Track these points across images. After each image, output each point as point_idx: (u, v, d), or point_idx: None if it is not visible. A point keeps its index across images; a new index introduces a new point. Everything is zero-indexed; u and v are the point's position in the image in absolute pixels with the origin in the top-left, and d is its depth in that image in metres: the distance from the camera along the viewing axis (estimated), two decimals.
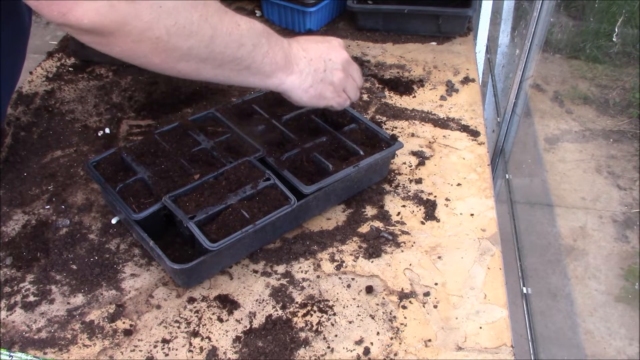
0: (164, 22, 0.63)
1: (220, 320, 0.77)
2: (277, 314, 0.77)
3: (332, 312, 0.78)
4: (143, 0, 0.61)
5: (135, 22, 0.61)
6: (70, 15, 0.58)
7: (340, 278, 0.82)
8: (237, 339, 0.74)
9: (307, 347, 0.73)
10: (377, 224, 0.90)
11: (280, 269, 0.83)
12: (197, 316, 0.77)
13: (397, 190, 0.96)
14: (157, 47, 0.64)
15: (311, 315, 0.77)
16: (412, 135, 1.08)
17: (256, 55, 0.73)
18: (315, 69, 0.81)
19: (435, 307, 0.78)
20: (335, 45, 0.85)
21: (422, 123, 1.10)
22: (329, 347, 0.73)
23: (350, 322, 0.77)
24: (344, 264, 0.84)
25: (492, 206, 0.93)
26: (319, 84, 0.82)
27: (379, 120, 1.11)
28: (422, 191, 0.96)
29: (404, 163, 1.02)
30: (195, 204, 0.79)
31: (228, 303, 0.79)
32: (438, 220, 0.91)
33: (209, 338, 0.74)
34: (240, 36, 0.70)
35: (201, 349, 0.73)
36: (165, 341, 0.74)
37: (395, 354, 0.73)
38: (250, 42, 0.72)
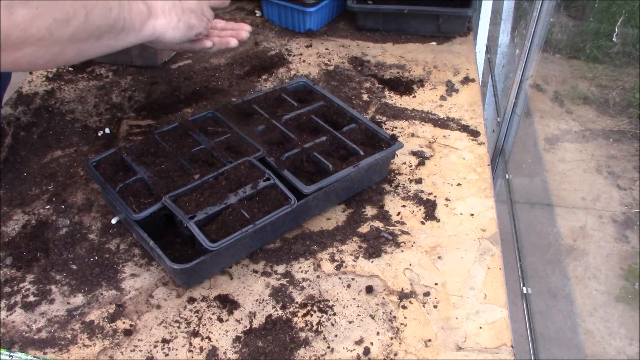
0: (44, 23, 0.63)
1: (220, 320, 0.77)
2: (277, 314, 0.77)
3: (332, 312, 0.78)
4: (19, 8, 0.60)
5: (16, 32, 0.61)
6: None
7: (340, 278, 0.82)
8: (237, 339, 0.74)
9: (307, 347, 0.73)
10: (377, 224, 0.90)
11: (280, 269, 0.83)
12: (197, 316, 0.77)
13: (397, 190, 0.96)
14: (40, 47, 0.64)
15: (311, 315, 0.77)
16: (412, 135, 1.08)
17: (123, 12, 0.74)
18: (172, 4, 0.83)
19: (435, 307, 0.78)
20: None
21: (422, 123, 1.11)
22: (329, 347, 0.73)
23: (350, 322, 0.77)
24: (344, 264, 0.84)
25: (492, 206, 0.93)
26: (182, 16, 0.84)
27: (379, 120, 1.11)
28: (422, 191, 0.96)
29: (404, 163, 1.02)
30: (195, 204, 0.79)
31: (228, 303, 0.79)
32: (438, 220, 0.91)
33: (209, 338, 0.74)
34: (109, 5, 0.71)
35: (201, 349, 0.73)
36: (165, 341, 0.74)
37: (395, 354, 0.73)
38: (115, 4, 0.73)
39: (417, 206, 0.93)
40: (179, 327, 0.76)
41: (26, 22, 0.61)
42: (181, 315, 0.77)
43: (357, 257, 0.85)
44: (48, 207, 0.92)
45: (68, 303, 0.78)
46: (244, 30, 1.01)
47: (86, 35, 0.69)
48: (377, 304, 0.79)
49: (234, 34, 0.99)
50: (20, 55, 0.64)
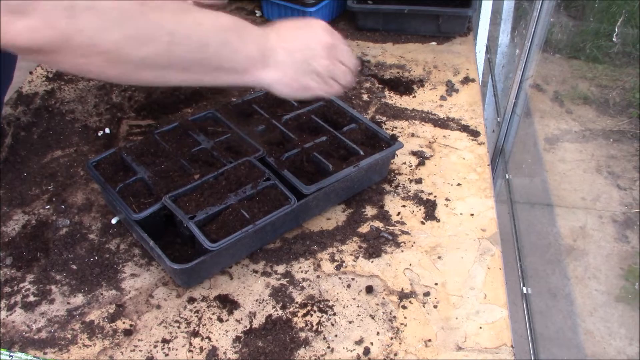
0: (111, 35, 0.58)
1: (220, 320, 0.77)
2: (277, 314, 0.77)
3: (332, 312, 0.78)
4: (84, 13, 0.56)
5: (78, 37, 0.57)
6: (5, 35, 0.55)
7: (340, 278, 0.82)
8: (237, 339, 0.74)
9: (307, 347, 0.73)
10: (377, 224, 0.90)
11: (280, 269, 0.83)
12: (197, 316, 0.77)
13: (397, 190, 0.96)
14: (108, 59, 0.60)
15: (311, 315, 0.77)
16: (412, 135, 1.08)
17: (225, 54, 0.68)
18: (295, 60, 0.74)
19: (435, 307, 0.78)
20: (317, 30, 0.78)
21: (422, 123, 1.10)
22: (329, 347, 0.73)
23: (350, 322, 0.77)
24: (344, 264, 0.84)
25: (492, 206, 0.93)
26: (301, 76, 0.76)
27: (379, 120, 1.11)
28: (422, 191, 0.96)
29: (404, 163, 1.02)
30: (195, 204, 0.79)
31: (228, 303, 0.79)
32: (438, 220, 0.91)
33: (209, 338, 0.74)
34: (204, 36, 0.65)
35: (201, 349, 0.73)
36: (165, 341, 0.74)
37: (395, 354, 0.73)
38: (217, 41, 0.67)
39: (417, 206, 0.93)
40: (179, 327, 0.76)
41: (91, 29, 0.57)
42: (181, 315, 0.77)
43: (357, 257, 0.85)
44: (48, 207, 0.92)
45: (68, 303, 0.78)
46: None
47: (166, 63, 0.64)
48: (377, 304, 0.79)
49: None
50: (87, 62, 0.59)
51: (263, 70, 0.73)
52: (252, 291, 0.80)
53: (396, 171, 1.00)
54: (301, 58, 0.75)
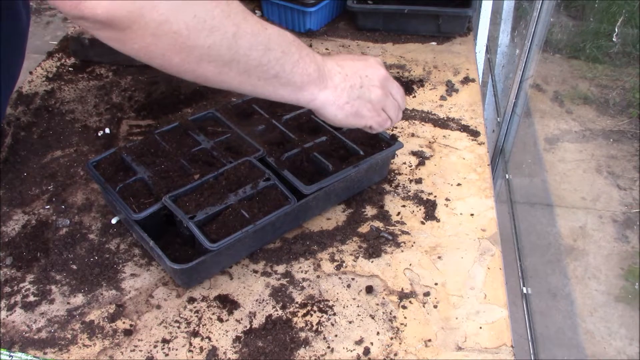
0: (183, 16, 0.58)
1: (220, 320, 0.77)
2: (277, 314, 0.77)
3: (332, 312, 0.78)
4: None
5: (152, 14, 0.57)
6: (83, 6, 0.56)
7: (340, 278, 0.82)
8: (237, 339, 0.74)
9: (307, 347, 0.73)
10: (377, 224, 0.90)
11: (280, 269, 0.83)
12: (197, 316, 0.77)
13: (397, 190, 0.96)
14: (175, 43, 0.60)
15: (311, 315, 0.77)
16: (412, 135, 1.08)
17: (285, 63, 0.68)
18: (351, 84, 0.75)
19: (435, 307, 0.78)
20: (373, 63, 0.80)
21: (422, 123, 1.11)
22: (329, 347, 0.73)
23: (350, 322, 0.77)
24: (344, 264, 0.84)
25: (492, 206, 0.93)
26: (355, 101, 0.76)
27: None
28: (422, 191, 0.96)
29: (404, 163, 1.02)
30: (195, 204, 0.79)
31: (228, 303, 0.79)
32: (438, 220, 0.91)
33: (209, 338, 0.74)
34: (268, 39, 0.65)
35: (201, 349, 0.73)
36: (165, 341, 0.74)
37: (395, 354, 0.73)
38: (279, 48, 0.67)
39: (417, 206, 0.93)
40: (179, 327, 0.76)
41: (166, 7, 0.57)
42: (181, 315, 0.77)
43: (357, 257, 0.85)
44: (48, 207, 0.92)
45: (68, 303, 0.78)
46: None
47: (229, 58, 0.63)
48: (377, 304, 0.79)
49: None
50: (155, 43, 0.59)
51: (319, 90, 0.73)
52: (252, 291, 0.80)
53: (396, 171, 1.00)
54: (357, 84, 0.76)
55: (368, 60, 0.80)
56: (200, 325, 0.76)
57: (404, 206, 0.93)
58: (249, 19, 0.64)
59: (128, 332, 0.75)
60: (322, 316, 0.77)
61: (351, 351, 0.73)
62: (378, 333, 0.75)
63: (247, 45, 0.64)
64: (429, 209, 0.92)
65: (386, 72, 0.80)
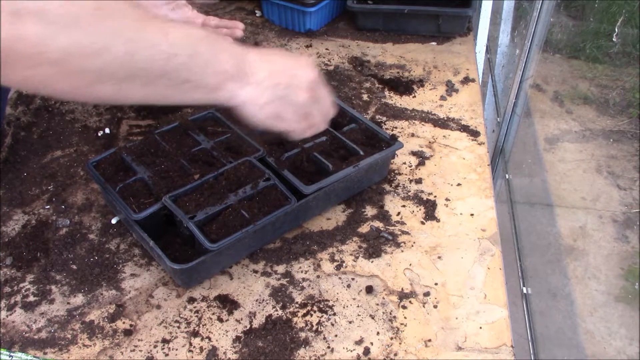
0: (59, 43, 0.52)
1: (220, 320, 0.77)
2: (277, 314, 0.77)
3: (332, 312, 0.78)
4: (28, 18, 0.50)
5: (22, 45, 0.51)
6: None
7: (340, 278, 0.82)
8: (237, 339, 0.74)
9: (307, 347, 0.73)
10: (377, 224, 0.90)
11: (280, 269, 0.83)
12: (197, 316, 0.77)
13: (397, 190, 0.96)
14: (58, 71, 0.54)
15: (311, 315, 0.77)
16: (412, 135, 1.08)
17: (194, 66, 0.62)
18: (275, 83, 0.69)
19: (435, 307, 0.78)
20: (303, 63, 0.73)
21: (422, 123, 1.11)
22: (329, 347, 0.73)
23: (350, 322, 0.77)
24: (344, 264, 0.84)
25: (492, 206, 0.93)
26: (277, 102, 0.70)
27: (379, 120, 1.11)
28: (422, 191, 0.96)
29: (404, 163, 1.02)
30: (195, 204, 0.79)
31: (228, 303, 0.79)
32: (438, 220, 0.91)
33: (209, 338, 0.74)
34: (171, 45, 0.59)
35: (201, 349, 0.73)
36: (165, 341, 0.74)
37: (395, 354, 0.73)
38: (185, 51, 0.61)
39: (417, 206, 0.93)
40: (179, 327, 0.76)
41: (35, 36, 0.51)
42: (181, 315, 0.77)
43: (357, 257, 0.85)
44: (48, 207, 0.92)
45: (68, 303, 0.78)
46: (238, 28, 1.00)
47: (126, 75, 0.58)
48: (377, 304, 0.79)
49: (229, 32, 0.99)
50: (35, 74, 0.54)
51: (239, 86, 0.67)
52: (252, 291, 0.80)
53: (396, 171, 1.00)
54: (282, 83, 0.70)
55: (299, 60, 0.74)
56: (200, 325, 0.76)
57: (404, 206, 0.93)
58: (147, 29, 0.58)
59: (128, 332, 0.75)
60: (322, 316, 0.77)
61: (351, 351, 0.73)
62: (378, 333, 0.75)
63: (145, 58, 0.58)
64: (429, 209, 0.92)
65: (317, 75, 0.73)
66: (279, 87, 0.69)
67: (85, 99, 0.59)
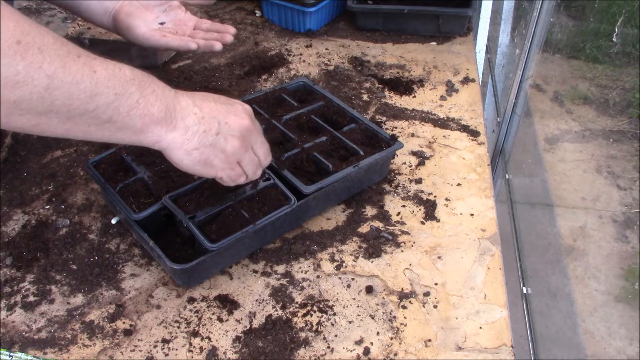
0: None
1: (220, 320, 0.77)
2: (277, 314, 0.77)
3: (332, 312, 0.78)
4: None
5: None
6: None
7: (340, 278, 0.82)
8: (237, 339, 0.74)
9: (307, 347, 0.73)
10: (377, 224, 0.90)
11: (280, 269, 0.83)
12: (197, 316, 0.77)
13: (397, 190, 0.96)
14: None
15: (311, 315, 0.77)
16: (412, 135, 1.08)
17: (120, 106, 0.61)
18: (205, 129, 0.68)
19: (435, 307, 0.78)
20: (239, 110, 0.72)
21: (422, 123, 1.11)
22: (329, 347, 0.73)
23: (350, 322, 0.77)
24: (344, 264, 0.84)
25: (492, 206, 0.93)
26: (206, 148, 0.68)
27: (379, 120, 1.11)
28: (422, 191, 0.96)
29: (404, 163, 1.02)
30: (195, 204, 0.79)
31: (228, 303, 0.79)
32: (438, 220, 0.91)
33: (209, 338, 0.74)
34: (95, 84, 0.59)
35: (201, 349, 0.73)
36: (165, 341, 0.74)
37: (395, 354, 0.73)
38: (111, 92, 0.60)
39: (417, 206, 0.93)
40: (179, 327, 0.76)
41: None
42: (181, 315, 0.77)
43: (357, 257, 0.85)
44: (48, 207, 0.92)
45: (68, 303, 0.78)
46: (229, 33, 1.00)
47: (45, 110, 0.57)
48: (377, 304, 0.79)
49: (219, 37, 0.98)
50: None
51: (166, 131, 0.66)
52: (252, 291, 0.80)
53: (396, 171, 1.00)
54: (212, 130, 0.68)
55: (234, 106, 0.72)
56: (200, 325, 0.76)
57: (404, 206, 0.93)
58: (70, 65, 0.57)
59: (128, 332, 0.75)
60: (322, 316, 0.77)
61: (351, 351, 0.73)
62: (378, 333, 0.75)
63: (65, 95, 0.57)
64: (429, 209, 0.92)
65: (251, 123, 0.72)
66: (208, 133, 0.68)
67: (4, 128, 0.58)
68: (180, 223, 0.79)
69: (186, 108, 0.67)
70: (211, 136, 0.68)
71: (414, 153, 1.04)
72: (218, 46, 0.96)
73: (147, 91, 0.64)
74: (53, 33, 0.58)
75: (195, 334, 0.75)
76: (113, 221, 0.90)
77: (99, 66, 0.60)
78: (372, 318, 0.77)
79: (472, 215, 0.92)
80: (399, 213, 0.92)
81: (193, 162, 0.69)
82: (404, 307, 0.78)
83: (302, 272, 0.83)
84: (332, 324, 0.76)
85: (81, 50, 0.60)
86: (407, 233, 0.89)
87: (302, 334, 0.75)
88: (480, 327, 0.76)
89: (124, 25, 0.94)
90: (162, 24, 0.97)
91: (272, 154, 0.89)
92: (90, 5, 0.94)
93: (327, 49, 1.32)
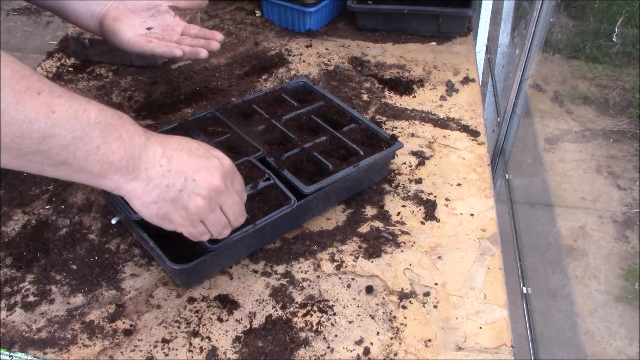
0: None
1: (220, 320, 0.77)
2: (277, 314, 0.77)
3: (332, 312, 0.78)
4: None
5: None
6: None
7: (340, 278, 0.82)
8: (237, 339, 0.74)
9: (307, 347, 0.73)
10: (377, 224, 0.90)
11: (280, 269, 0.83)
12: (197, 316, 0.77)
13: (397, 190, 0.96)
14: None
15: (311, 315, 0.77)
16: (412, 135, 1.08)
17: (77, 150, 0.59)
18: (168, 184, 0.65)
19: (435, 307, 0.78)
20: (214, 166, 0.68)
21: (422, 123, 1.11)
22: (329, 347, 0.73)
23: (350, 322, 0.77)
24: (344, 264, 0.84)
25: (492, 206, 0.93)
26: (166, 203, 0.65)
27: (379, 120, 1.11)
28: (422, 191, 0.96)
29: (404, 163, 1.02)
30: None
31: (228, 303, 0.79)
32: (438, 220, 0.91)
33: (209, 338, 0.74)
34: (51, 125, 0.56)
35: (201, 349, 0.73)
36: (165, 341, 0.74)
37: (395, 354, 0.73)
38: (69, 134, 0.57)
39: (417, 206, 0.93)
40: (179, 327, 0.76)
41: None
42: (181, 315, 0.77)
43: (357, 257, 0.85)
44: (48, 207, 0.92)
45: (68, 303, 0.78)
46: (216, 40, 0.98)
47: None
48: (377, 304, 0.79)
49: (205, 44, 0.97)
50: None
51: (125, 180, 0.63)
52: (252, 291, 0.80)
53: (396, 171, 1.00)
54: (177, 186, 0.65)
55: (209, 160, 0.68)
56: (200, 325, 0.76)
57: (404, 206, 0.93)
58: (25, 103, 0.55)
59: (128, 332, 0.75)
60: (322, 316, 0.77)
61: (351, 351, 0.73)
62: (378, 333, 0.75)
63: (15, 133, 0.55)
64: (429, 209, 0.92)
65: (222, 183, 0.68)
66: (171, 188, 0.65)
67: None
68: None
69: (153, 158, 0.64)
70: (173, 192, 0.65)
71: (414, 153, 1.04)
72: (204, 53, 0.95)
73: (111, 137, 0.61)
74: (19, 65, 0.56)
75: (195, 334, 0.75)
76: (113, 221, 0.90)
77: (60, 105, 0.57)
78: (372, 318, 0.77)
79: (472, 215, 0.92)
80: (399, 213, 0.92)
81: (151, 215, 0.66)
82: (404, 307, 0.78)
83: (302, 272, 0.83)
84: (332, 324, 0.76)
85: (49, 87, 0.58)
86: (407, 233, 0.89)
87: (302, 334, 0.75)
88: (480, 327, 0.76)
89: (110, 29, 0.92)
90: (149, 29, 0.96)
91: (272, 154, 0.89)
92: (77, 9, 0.92)
93: (327, 49, 1.32)
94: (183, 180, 0.65)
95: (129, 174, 0.63)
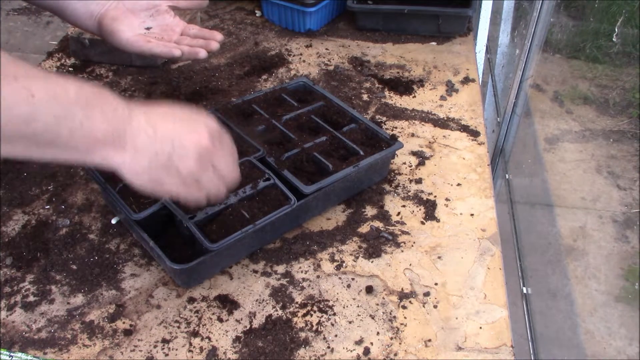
0: None
1: (220, 320, 0.77)
2: (277, 314, 0.77)
3: (332, 312, 0.78)
4: None
5: None
6: None
7: (340, 278, 0.82)
8: (237, 339, 0.74)
9: (307, 347, 0.73)
10: (377, 224, 0.90)
11: (280, 269, 0.83)
12: (197, 316, 0.77)
13: (397, 190, 0.96)
14: None
15: (311, 315, 0.77)
16: (412, 135, 1.08)
17: (61, 130, 0.58)
18: (157, 150, 0.64)
19: (435, 307, 0.78)
20: (199, 126, 0.68)
21: (422, 123, 1.11)
22: (329, 347, 0.73)
23: (350, 322, 0.77)
24: (344, 264, 0.84)
25: (492, 206, 0.93)
26: (157, 170, 0.65)
27: (379, 120, 1.11)
28: (422, 191, 0.96)
29: (404, 163, 1.02)
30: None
31: (228, 303, 0.79)
32: (438, 220, 0.91)
33: (209, 338, 0.74)
34: (32, 109, 0.56)
35: (201, 349, 0.73)
36: (165, 341, 0.74)
37: (395, 354, 0.73)
38: (50, 115, 0.57)
39: (417, 206, 0.93)
40: (179, 327, 0.76)
41: None
42: (181, 315, 0.77)
43: (357, 257, 0.85)
44: (48, 207, 0.92)
45: (68, 303, 0.78)
46: (215, 40, 0.98)
47: None
48: (377, 304, 0.79)
49: (204, 44, 0.97)
50: None
51: (114, 151, 0.63)
52: (252, 291, 0.80)
53: (396, 171, 1.00)
54: (165, 152, 0.65)
55: (194, 124, 0.68)
56: (200, 325, 0.76)
57: (404, 206, 0.93)
58: (4, 90, 0.55)
59: (128, 332, 0.75)
60: (322, 316, 0.77)
61: (351, 351, 0.73)
62: (378, 333, 0.75)
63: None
64: (429, 209, 0.92)
65: (210, 142, 0.68)
66: (160, 155, 0.65)
67: None
68: (180, 223, 0.79)
69: (138, 128, 0.64)
70: (163, 157, 0.65)
71: (414, 153, 1.04)
72: (203, 53, 0.95)
73: (94, 111, 0.61)
74: None
75: (195, 334, 0.75)
76: (113, 221, 0.90)
77: (40, 89, 0.57)
78: (372, 318, 0.77)
79: (472, 215, 0.92)
80: (399, 213, 0.92)
81: (143, 183, 0.66)
82: (404, 307, 0.78)
83: (302, 272, 0.83)
84: (332, 324, 0.76)
85: (25, 70, 0.57)
86: (407, 233, 0.89)
87: (302, 334, 0.75)
88: (480, 327, 0.76)
89: (109, 29, 0.92)
90: (148, 28, 0.95)
91: (272, 154, 0.89)
92: (76, 9, 0.92)
93: (327, 49, 1.32)
94: (171, 144, 0.65)
95: (116, 147, 0.63)
